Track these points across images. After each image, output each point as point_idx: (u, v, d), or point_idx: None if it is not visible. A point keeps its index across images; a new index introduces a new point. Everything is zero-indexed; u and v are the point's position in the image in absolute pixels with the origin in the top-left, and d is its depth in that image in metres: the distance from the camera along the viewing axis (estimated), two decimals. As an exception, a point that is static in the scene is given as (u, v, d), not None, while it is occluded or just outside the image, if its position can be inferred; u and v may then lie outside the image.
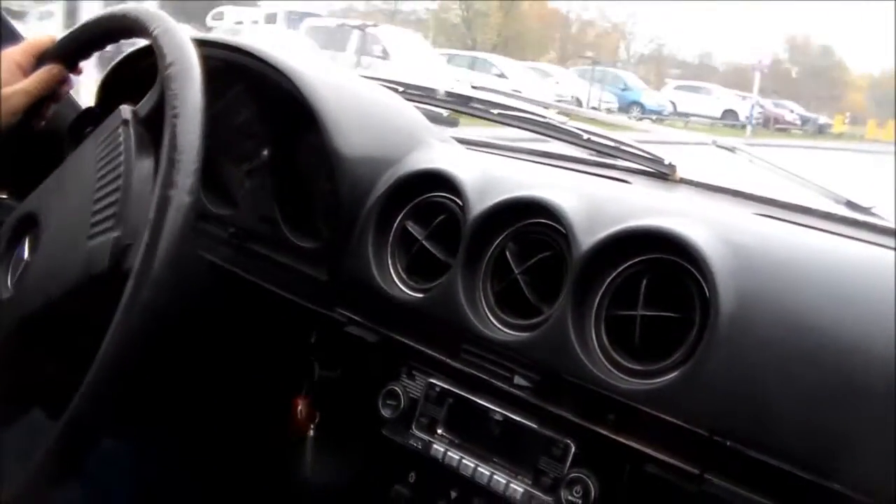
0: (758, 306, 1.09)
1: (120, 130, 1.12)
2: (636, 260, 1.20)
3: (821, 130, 33.30)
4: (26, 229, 1.24)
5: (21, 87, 1.37)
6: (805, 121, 33.74)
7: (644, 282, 1.17)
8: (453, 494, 1.35)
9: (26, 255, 1.23)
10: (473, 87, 1.97)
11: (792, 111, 34.02)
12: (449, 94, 1.93)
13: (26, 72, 1.37)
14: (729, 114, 31.13)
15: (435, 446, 1.34)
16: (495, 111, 1.86)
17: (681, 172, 1.70)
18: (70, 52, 1.37)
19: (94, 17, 1.32)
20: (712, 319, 1.10)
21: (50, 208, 1.22)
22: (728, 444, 1.06)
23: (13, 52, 1.38)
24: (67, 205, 1.18)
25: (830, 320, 1.07)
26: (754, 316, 1.09)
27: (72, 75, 1.42)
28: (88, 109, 1.94)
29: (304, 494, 1.70)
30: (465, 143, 1.74)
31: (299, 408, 1.57)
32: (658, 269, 1.18)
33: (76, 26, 1.37)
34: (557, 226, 1.27)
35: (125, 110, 1.13)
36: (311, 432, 1.59)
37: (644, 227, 1.19)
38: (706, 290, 1.13)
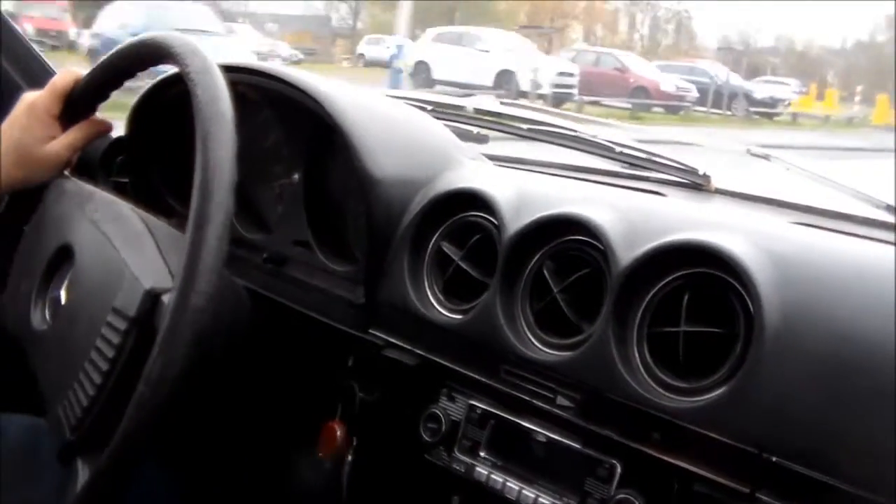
0: (803, 318, 1.07)
1: None
2: (677, 275, 1.18)
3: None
4: (62, 261, 1.24)
5: (67, 143, 1.37)
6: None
7: (686, 297, 1.15)
8: (497, 517, 1.33)
9: (63, 289, 1.23)
10: (502, 104, 1.96)
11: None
12: (477, 111, 1.92)
13: (59, 117, 1.37)
14: (505, 76, 24.04)
15: (478, 469, 1.32)
16: (525, 127, 1.85)
17: (715, 182, 1.68)
18: (97, 88, 1.37)
19: (118, 48, 1.32)
20: (757, 334, 1.08)
21: (83, 242, 1.22)
22: (779, 461, 1.03)
23: (42, 101, 1.37)
24: (100, 244, 1.18)
25: (879, 331, 1.04)
26: (800, 328, 1.07)
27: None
28: (119, 139, 1.95)
29: None
30: (496, 159, 1.73)
31: (337, 433, 1.56)
32: (699, 283, 1.16)
33: (103, 58, 1.37)
34: (595, 242, 1.25)
35: None
36: (350, 457, 1.58)
37: (684, 242, 1.17)
38: (749, 303, 1.10)
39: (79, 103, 1.38)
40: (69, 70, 1.40)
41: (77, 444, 1.09)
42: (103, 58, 1.37)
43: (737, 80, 30.85)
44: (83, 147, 1.41)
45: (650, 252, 1.18)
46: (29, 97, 1.38)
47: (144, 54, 1.26)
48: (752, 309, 1.10)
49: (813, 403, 1.03)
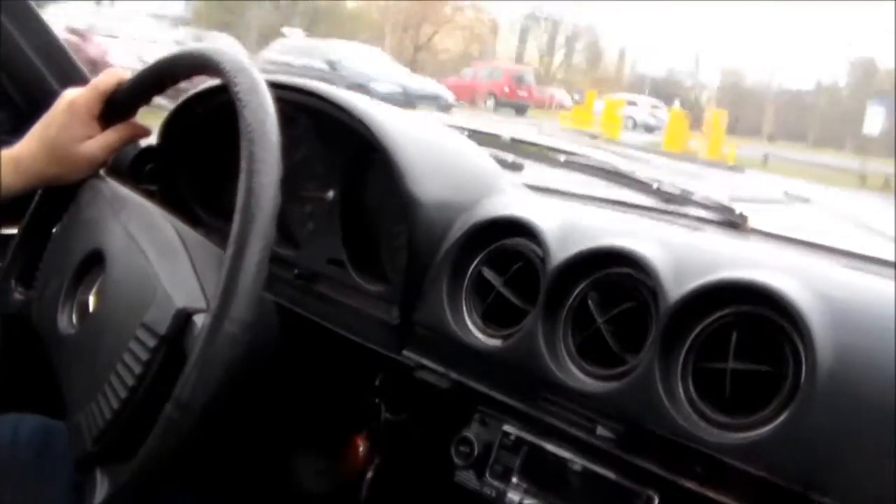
0: (855, 362, 1.07)
1: None
2: (725, 312, 1.17)
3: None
4: (92, 265, 1.24)
5: (105, 143, 1.36)
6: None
7: (734, 335, 1.15)
8: (526, 545, 1.32)
9: (92, 294, 1.23)
10: (539, 134, 1.96)
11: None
12: (514, 139, 1.92)
13: (98, 117, 1.37)
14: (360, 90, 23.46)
15: (510, 495, 1.32)
16: (562, 158, 1.85)
17: (752, 223, 1.68)
18: (141, 92, 1.37)
19: (166, 55, 1.32)
20: (808, 373, 1.07)
21: (115, 249, 1.22)
22: (825, 501, 1.03)
23: (83, 100, 1.36)
24: (132, 253, 1.17)
25: None
26: (851, 372, 1.06)
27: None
28: (149, 147, 1.95)
29: None
30: (534, 189, 1.73)
31: (360, 448, 1.55)
32: (747, 321, 1.16)
33: (147, 65, 1.37)
34: (643, 276, 1.25)
35: None
36: (370, 473, 1.57)
37: (735, 280, 1.17)
38: (799, 344, 1.10)
39: (119, 105, 1.37)
40: (113, 70, 1.39)
41: (98, 456, 1.08)
42: (150, 62, 1.37)
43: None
44: (120, 149, 1.40)
45: (700, 288, 1.18)
46: (69, 94, 1.38)
47: (192, 65, 1.26)
48: (801, 349, 1.10)
49: (862, 448, 1.03)
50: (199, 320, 1.02)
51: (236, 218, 0.99)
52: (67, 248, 1.31)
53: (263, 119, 1.04)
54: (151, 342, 1.04)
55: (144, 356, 1.04)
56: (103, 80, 1.37)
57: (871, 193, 17.91)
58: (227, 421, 1.52)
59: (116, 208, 1.28)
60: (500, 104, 33.46)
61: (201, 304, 1.05)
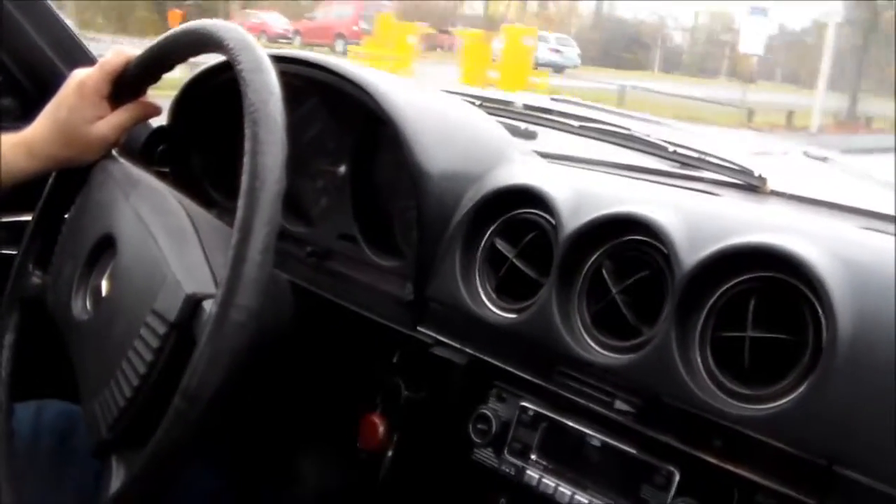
0: (878, 328, 1.03)
1: None
2: (743, 278, 1.14)
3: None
4: (105, 249, 1.22)
5: (115, 123, 1.34)
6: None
7: (752, 302, 1.12)
8: (546, 522, 1.30)
9: (105, 278, 1.21)
10: (553, 99, 1.93)
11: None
12: (527, 106, 1.89)
13: (108, 97, 1.35)
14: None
15: (528, 472, 1.29)
16: (576, 123, 1.82)
17: (771, 184, 1.64)
18: (148, 70, 1.34)
19: (170, 32, 1.29)
20: (829, 341, 1.04)
21: (126, 233, 1.20)
22: (848, 473, 0.99)
23: (91, 80, 1.34)
24: (143, 238, 1.15)
25: None
26: (874, 337, 1.03)
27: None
28: (160, 128, 1.93)
29: None
30: (546, 156, 1.70)
31: (379, 427, 1.53)
32: (766, 287, 1.12)
33: (152, 43, 1.35)
34: (657, 243, 1.22)
35: None
36: (390, 452, 1.55)
37: (752, 245, 1.13)
38: (820, 310, 1.07)
39: (129, 84, 1.35)
40: (120, 50, 1.37)
41: (112, 443, 1.07)
42: (156, 41, 1.35)
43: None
44: (130, 128, 1.38)
45: (716, 254, 1.15)
46: (78, 75, 1.35)
47: (196, 42, 1.23)
48: (822, 316, 1.06)
49: (886, 416, 0.99)
50: (209, 306, 1.00)
51: (240, 203, 0.97)
52: (80, 233, 1.30)
53: (267, 99, 1.01)
54: (162, 329, 1.03)
55: (155, 343, 1.03)
56: (110, 61, 1.35)
57: (761, 132, 15.87)
58: (241, 402, 1.52)
59: (127, 190, 1.26)
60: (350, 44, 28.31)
61: (211, 289, 1.03)
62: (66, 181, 1.38)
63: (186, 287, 1.03)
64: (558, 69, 27.57)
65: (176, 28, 1.27)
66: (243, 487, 1.75)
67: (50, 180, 1.38)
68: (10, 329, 1.33)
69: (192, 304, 1.02)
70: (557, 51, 29.78)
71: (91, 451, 1.11)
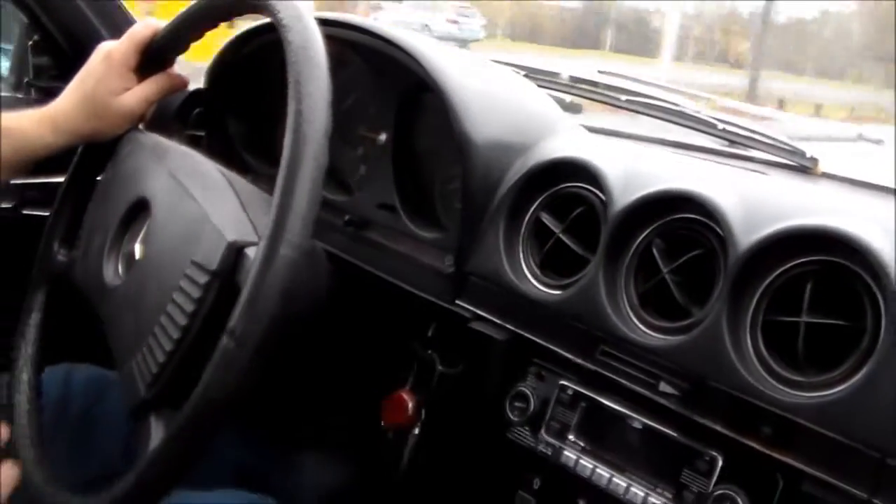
0: None
1: None
2: (799, 261, 1.10)
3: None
4: (138, 214, 1.20)
5: (142, 95, 1.32)
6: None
7: (809, 286, 1.08)
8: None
9: (138, 243, 1.19)
10: (600, 72, 1.89)
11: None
12: (573, 78, 1.85)
13: (135, 69, 1.32)
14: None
15: (566, 452, 1.27)
16: (623, 97, 1.78)
17: (823, 166, 1.60)
18: (177, 38, 1.32)
19: None
20: (888, 329, 1.00)
21: (160, 197, 1.18)
22: None
23: (119, 52, 1.31)
24: (179, 196, 1.13)
25: None
26: None
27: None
28: (197, 91, 1.91)
29: (405, 492, 1.64)
30: (593, 131, 1.66)
31: (408, 403, 1.50)
32: (823, 271, 1.09)
33: (185, 8, 1.32)
34: (711, 222, 1.18)
35: None
36: (417, 430, 1.53)
37: (811, 227, 1.09)
38: (879, 296, 1.03)
39: (156, 55, 1.33)
40: (147, 21, 1.35)
41: (152, 402, 1.04)
42: (184, 8, 1.33)
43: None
44: (157, 100, 1.36)
45: (773, 236, 1.11)
46: (105, 47, 1.33)
47: (230, 4, 1.20)
48: (882, 302, 1.02)
49: None
50: (251, 253, 0.97)
51: (287, 140, 0.94)
52: (110, 202, 1.27)
53: (309, 40, 0.98)
54: (203, 279, 0.99)
55: (196, 293, 0.99)
56: (138, 31, 1.33)
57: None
58: (280, 368, 1.49)
59: (160, 154, 1.24)
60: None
61: (253, 238, 1.00)
62: (93, 155, 1.35)
63: (228, 235, 1.00)
64: (461, 43, 26.17)
65: None
66: (272, 460, 1.74)
67: (76, 156, 1.36)
68: (36, 308, 1.30)
69: (235, 252, 0.99)
70: (455, 21, 27.99)
71: (129, 413, 1.09)
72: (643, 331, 1.21)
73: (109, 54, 1.31)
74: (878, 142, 1.67)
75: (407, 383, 1.55)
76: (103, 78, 1.30)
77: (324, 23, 1.06)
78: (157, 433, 1.01)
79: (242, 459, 1.56)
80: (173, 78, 1.35)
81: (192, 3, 1.28)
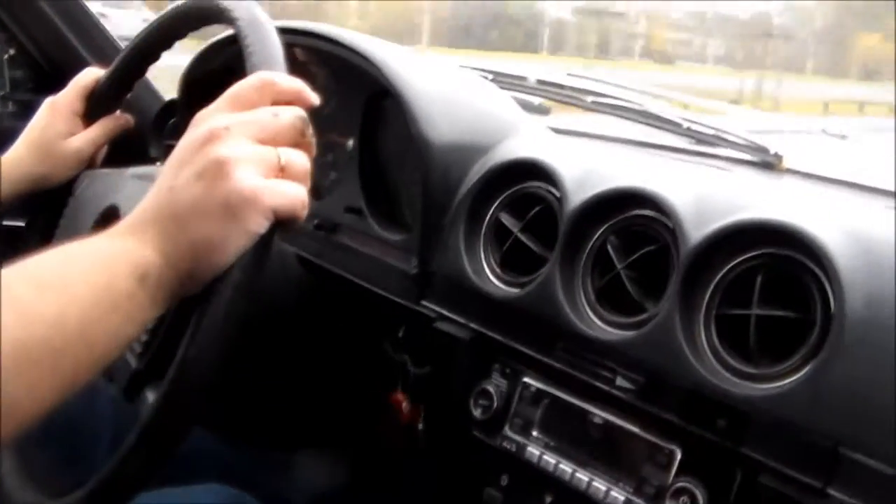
0: (889, 306, 1.00)
1: None
2: (750, 255, 1.11)
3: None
4: (108, 220, 1.21)
5: (90, 138, 1.41)
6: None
7: (759, 279, 1.09)
8: (548, 499, 1.28)
9: None
10: (568, 75, 1.90)
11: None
12: (540, 81, 1.86)
13: (82, 115, 1.40)
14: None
15: (530, 448, 1.27)
16: (589, 99, 1.79)
17: (787, 162, 1.61)
18: (120, 81, 1.35)
19: (170, 10, 1.27)
20: (837, 320, 1.01)
21: (129, 198, 1.19)
22: (855, 456, 0.97)
23: (64, 99, 1.39)
24: (147, 189, 1.14)
25: None
26: (884, 316, 0.99)
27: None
28: (171, 102, 1.92)
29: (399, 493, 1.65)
30: (559, 132, 1.67)
31: (403, 405, 1.52)
32: (773, 264, 1.09)
33: (123, 51, 1.35)
34: (663, 218, 1.19)
35: None
36: (421, 425, 1.53)
37: (759, 220, 1.10)
38: (828, 287, 1.04)
39: (101, 99, 1.38)
40: (89, 69, 1.43)
41: (145, 373, 1.04)
42: (120, 53, 1.37)
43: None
44: (105, 142, 1.43)
45: (722, 230, 1.12)
46: (51, 98, 1.41)
47: (199, 16, 1.21)
48: (830, 294, 1.03)
49: (895, 398, 0.96)
50: None
51: None
52: (78, 224, 1.28)
53: (265, 40, 0.98)
54: None
55: None
56: (81, 79, 1.42)
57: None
58: (256, 366, 1.50)
59: (120, 173, 1.26)
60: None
61: None
62: (52, 197, 1.38)
63: None
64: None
65: (178, 4, 1.25)
66: (256, 460, 1.75)
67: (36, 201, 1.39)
68: None
69: None
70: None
71: (122, 392, 1.08)
72: (599, 326, 1.22)
73: (54, 101, 1.40)
74: (843, 137, 1.68)
75: (397, 384, 1.56)
76: (49, 123, 1.38)
77: (287, 32, 1.06)
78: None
79: (226, 458, 1.57)
80: (119, 120, 1.43)
81: (125, 47, 1.31)
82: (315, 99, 0.90)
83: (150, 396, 1.02)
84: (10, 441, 0.74)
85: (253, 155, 0.81)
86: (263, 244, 0.83)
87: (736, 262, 1.12)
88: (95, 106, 1.37)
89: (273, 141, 0.83)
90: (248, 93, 0.86)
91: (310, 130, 0.86)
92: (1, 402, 0.70)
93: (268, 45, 1.00)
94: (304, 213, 0.84)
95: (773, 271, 1.09)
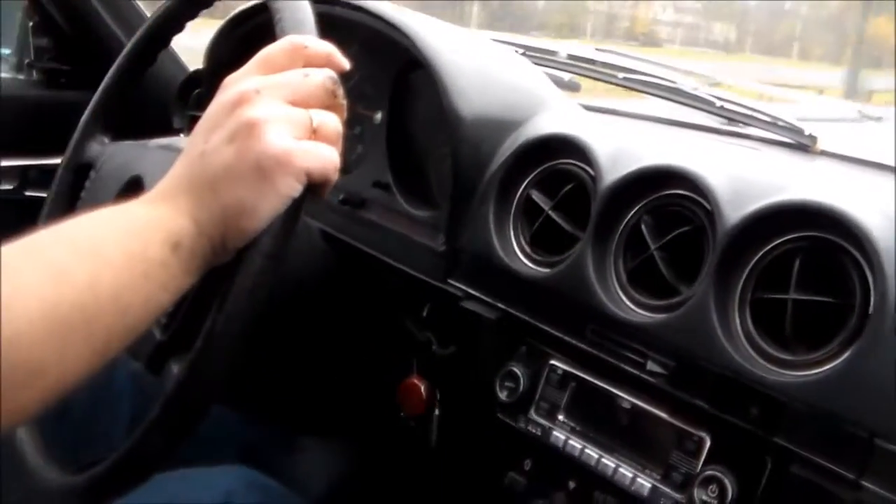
0: None
1: None
2: (788, 237, 1.08)
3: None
4: (132, 191, 1.19)
5: None
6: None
7: (797, 262, 1.06)
8: (571, 485, 1.26)
9: None
10: (598, 50, 1.87)
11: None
12: (571, 56, 1.83)
13: None
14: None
15: (555, 433, 1.25)
16: (621, 75, 1.76)
17: (822, 144, 1.58)
18: (148, 46, 1.33)
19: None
20: (877, 306, 0.98)
21: (153, 169, 1.17)
22: (892, 448, 0.94)
23: None
24: (172, 159, 1.12)
25: None
26: None
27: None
28: (196, 72, 1.91)
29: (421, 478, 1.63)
30: (589, 109, 1.64)
31: (421, 389, 1.49)
32: (812, 248, 1.06)
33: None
34: (699, 198, 1.16)
35: None
36: (437, 411, 1.51)
37: (799, 202, 1.07)
38: (868, 272, 1.01)
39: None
40: None
41: (168, 345, 1.02)
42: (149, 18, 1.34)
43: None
44: None
45: (760, 211, 1.09)
46: None
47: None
48: (871, 279, 1.00)
49: None
50: None
51: None
52: (101, 195, 1.26)
53: (298, 7, 0.96)
54: None
55: None
56: None
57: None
58: (279, 344, 1.48)
59: (144, 144, 1.24)
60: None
61: None
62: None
63: None
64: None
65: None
66: (277, 442, 1.74)
67: (57, 176, 1.35)
68: None
69: None
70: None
71: (145, 364, 1.07)
72: (631, 308, 1.19)
73: None
74: (878, 119, 1.65)
75: (413, 368, 1.53)
76: None
77: (319, 1, 1.04)
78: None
79: (247, 439, 1.56)
80: None
81: (150, 16, 1.28)
82: (346, 63, 0.87)
83: (175, 369, 0.99)
84: (38, 408, 0.72)
85: (284, 116, 0.79)
86: (295, 209, 0.81)
87: (773, 244, 1.09)
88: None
89: (304, 102, 0.81)
90: (278, 56, 0.84)
91: (341, 91, 0.84)
92: (30, 364, 0.68)
93: (299, 9, 0.98)
94: (335, 175, 0.82)
95: (811, 255, 1.06)
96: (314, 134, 0.81)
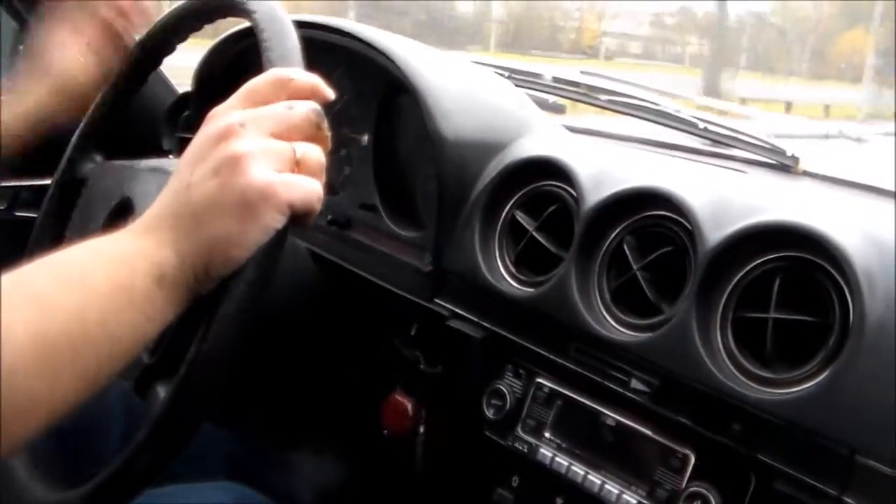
0: None
1: None
2: (768, 257, 1.10)
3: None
4: (122, 213, 1.20)
5: None
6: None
7: (777, 282, 1.08)
8: (559, 501, 1.27)
9: None
10: (582, 73, 1.89)
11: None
12: (556, 79, 1.85)
13: None
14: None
15: (542, 450, 1.26)
16: (604, 98, 1.78)
17: (804, 164, 1.60)
18: (139, 67, 1.34)
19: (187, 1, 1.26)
20: (856, 325, 1.00)
21: (143, 191, 1.18)
22: (872, 464, 0.96)
23: None
24: (162, 182, 1.13)
25: None
26: None
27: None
28: (185, 94, 1.92)
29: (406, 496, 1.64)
30: (574, 130, 1.66)
31: (407, 406, 1.50)
32: (792, 267, 1.08)
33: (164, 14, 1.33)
34: (681, 219, 1.18)
35: None
36: (422, 428, 1.52)
37: (778, 223, 1.09)
38: (847, 292, 1.03)
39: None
40: None
41: (155, 368, 1.03)
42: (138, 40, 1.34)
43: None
44: None
45: (741, 232, 1.11)
46: None
47: (217, 8, 1.20)
48: (849, 298, 1.02)
49: None
50: None
51: None
52: (91, 215, 1.27)
53: (283, 33, 0.98)
54: None
55: None
56: None
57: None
58: (267, 362, 1.49)
59: (133, 164, 1.25)
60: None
61: None
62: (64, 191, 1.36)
63: None
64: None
65: None
66: (265, 457, 1.74)
67: (48, 195, 1.36)
68: None
69: None
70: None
71: (133, 387, 1.07)
72: (615, 327, 1.21)
73: None
74: (859, 140, 1.67)
75: (397, 385, 1.55)
76: None
77: (304, 25, 1.05)
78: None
79: (236, 455, 1.57)
80: None
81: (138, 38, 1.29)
82: (331, 94, 0.88)
83: (162, 392, 1.01)
84: (32, 438, 0.73)
85: (268, 149, 0.80)
86: (278, 240, 0.83)
87: (754, 264, 1.11)
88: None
89: (288, 135, 0.83)
90: (263, 89, 0.86)
91: (325, 124, 0.86)
92: (22, 396, 0.69)
93: (285, 40, 0.99)
94: (319, 207, 0.83)
95: (791, 274, 1.08)
96: (297, 166, 0.82)
